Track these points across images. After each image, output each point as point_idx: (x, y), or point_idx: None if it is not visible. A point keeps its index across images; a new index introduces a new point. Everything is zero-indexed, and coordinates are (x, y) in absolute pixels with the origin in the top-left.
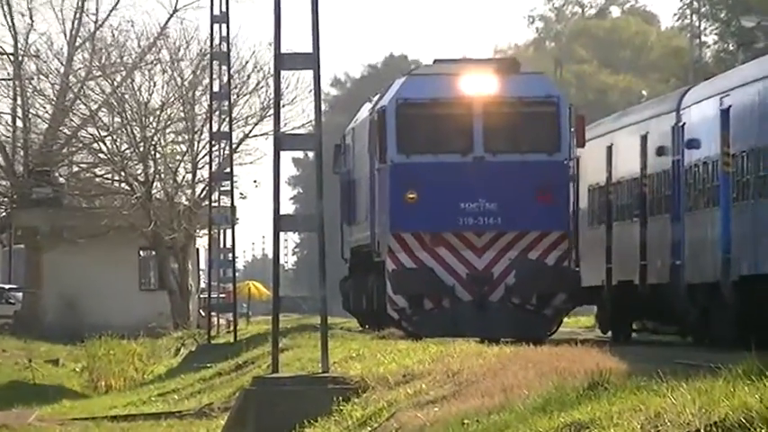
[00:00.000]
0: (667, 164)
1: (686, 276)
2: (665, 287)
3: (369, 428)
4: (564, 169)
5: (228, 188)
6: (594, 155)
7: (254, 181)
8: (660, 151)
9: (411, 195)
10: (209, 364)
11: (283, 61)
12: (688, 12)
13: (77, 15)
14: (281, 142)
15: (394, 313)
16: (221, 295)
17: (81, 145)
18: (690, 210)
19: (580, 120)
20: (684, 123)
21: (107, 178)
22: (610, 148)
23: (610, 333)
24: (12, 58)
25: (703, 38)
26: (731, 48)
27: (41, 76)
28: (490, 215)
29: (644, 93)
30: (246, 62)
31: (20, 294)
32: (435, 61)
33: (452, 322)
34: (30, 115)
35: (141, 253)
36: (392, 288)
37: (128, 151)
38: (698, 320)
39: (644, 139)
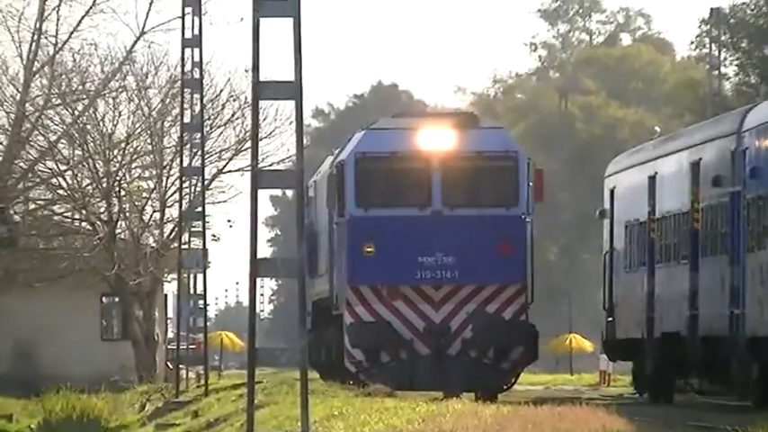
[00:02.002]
0: (725, 196)
1: (748, 328)
2: (720, 341)
3: None
4: (522, 223)
5: (200, 229)
6: (633, 186)
7: (228, 221)
8: (716, 181)
9: (369, 249)
10: (177, 421)
11: (262, 90)
12: (706, 40)
13: (35, 37)
14: (260, 179)
15: (351, 366)
16: (191, 346)
17: (38, 180)
18: (753, 250)
19: (538, 174)
20: (747, 148)
21: (67, 217)
22: (653, 179)
23: (647, 395)
24: None
25: (722, 69)
26: (753, 80)
27: None
28: (448, 269)
29: (657, 129)
30: (221, 90)
31: None
32: (394, 115)
33: (410, 375)
34: None
35: (103, 299)
36: (349, 341)
37: (90, 187)
38: (761, 380)
39: (695, 166)
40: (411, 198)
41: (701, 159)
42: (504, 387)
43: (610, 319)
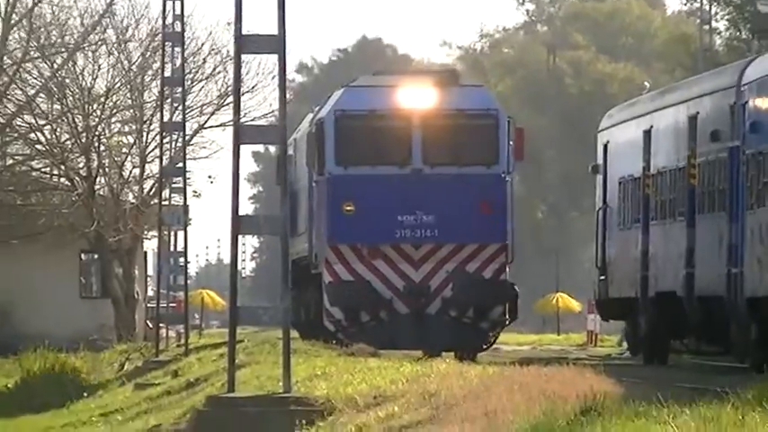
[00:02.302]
0: (723, 151)
1: (747, 288)
2: (718, 301)
3: None
4: (502, 182)
5: (181, 185)
6: (627, 141)
7: (210, 177)
8: (715, 136)
9: (348, 207)
10: (156, 381)
11: (245, 44)
12: None
13: None
14: (242, 134)
15: (330, 325)
16: (171, 304)
17: (16, 135)
18: (752, 207)
19: (519, 133)
20: (747, 102)
21: (45, 172)
22: (648, 133)
23: (640, 355)
24: None
25: (714, 23)
26: (744, 35)
27: None
28: (428, 227)
29: (647, 84)
30: (202, 44)
31: None
32: (374, 73)
33: (389, 335)
34: None
35: (82, 256)
36: (329, 300)
37: (68, 142)
38: (759, 341)
39: (693, 120)
40: (391, 156)
41: (698, 113)
42: (484, 346)
43: (602, 277)
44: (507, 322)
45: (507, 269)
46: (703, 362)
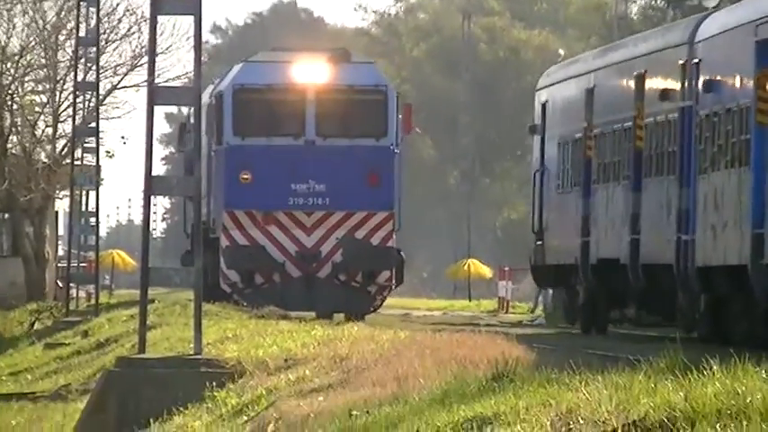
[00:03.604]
0: (674, 111)
1: (698, 257)
2: (665, 269)
3: (245, 418)
4: (390, 154)
5: (93, 145)
6: (568, 99)
7: (122, 137)
8: (664, 95)
9: (245, 176)
10: (66, 341)
11: (160, 5)
12: None
13: None
14: (156, 95)
15: (227, 287)
16: (82, 264)
17: None
18: (705, 171)
19: (407, 108)
20: (701, 60)
21: None
22: (590, 92)
23: (578, 324)
24: None
25: None
26: (660, 4)
27: None
28: (319, 196)
29: (561, 52)
30: (117, 4)
31: None
32: (272, 49)
33: (282, 297)
34: None
35: None
36: (225, 263)
37: None
38: (709, 313)
39: (640, 79)
40: (286, 128)
41: (646, 71)
42: (372, 309)
43: (539, 242)
44: (393, 286)
45: (394, 236)
46: (646, 333)
